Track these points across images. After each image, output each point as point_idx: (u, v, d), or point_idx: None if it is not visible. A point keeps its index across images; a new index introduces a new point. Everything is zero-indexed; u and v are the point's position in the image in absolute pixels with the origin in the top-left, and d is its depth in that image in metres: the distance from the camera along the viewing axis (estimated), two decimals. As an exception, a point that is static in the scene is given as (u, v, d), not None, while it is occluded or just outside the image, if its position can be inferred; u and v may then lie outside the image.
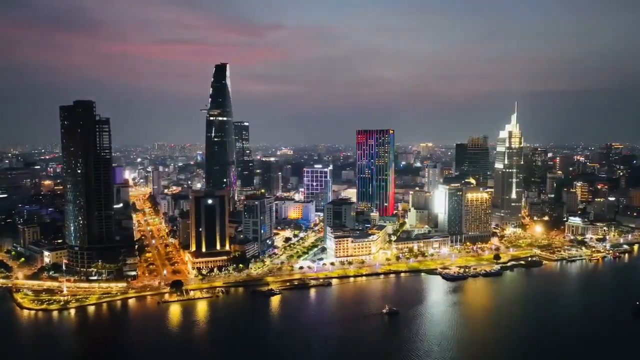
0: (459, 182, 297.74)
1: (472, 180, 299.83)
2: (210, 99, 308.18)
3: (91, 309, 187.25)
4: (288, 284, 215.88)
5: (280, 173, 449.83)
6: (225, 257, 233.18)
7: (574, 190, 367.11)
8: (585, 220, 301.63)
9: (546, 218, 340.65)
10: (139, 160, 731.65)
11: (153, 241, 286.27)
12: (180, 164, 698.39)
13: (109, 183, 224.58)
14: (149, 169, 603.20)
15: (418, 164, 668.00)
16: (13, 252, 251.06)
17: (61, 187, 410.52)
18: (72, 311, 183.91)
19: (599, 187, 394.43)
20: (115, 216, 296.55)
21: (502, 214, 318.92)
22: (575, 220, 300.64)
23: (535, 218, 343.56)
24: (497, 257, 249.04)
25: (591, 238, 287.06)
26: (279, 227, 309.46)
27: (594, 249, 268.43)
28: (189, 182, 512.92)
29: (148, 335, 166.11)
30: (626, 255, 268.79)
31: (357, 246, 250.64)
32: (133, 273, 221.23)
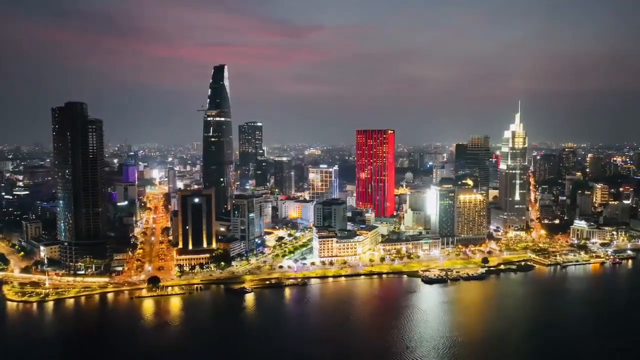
0: (455, 183, 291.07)
1: (469, 182, 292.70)
2: (208, 100, 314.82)
3: (69, 302, 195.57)
4: (267, 282, 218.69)
5: (293, 172, 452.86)
6: (207, 255, 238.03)
7: (589, 192, 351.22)
8: (592, 224, 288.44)
9: (557, 221, 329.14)
10: (169, 159, 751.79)
11: (153, 238, 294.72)
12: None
13: (96, 182, 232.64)
14: (177, 168, 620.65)
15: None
16: (16, 247, 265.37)
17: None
18: (50, 304, 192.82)
19: (621, 189, 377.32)
20: (118, 213, 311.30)
21: (505, 216, 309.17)
22: (581, 224, 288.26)
23: (546, 221, 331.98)
24: (485, 260, 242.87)
25: (594, 243, 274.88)
26: (276, 227, 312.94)
27: (593, 254, 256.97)
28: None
29: (108, 327, 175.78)
30: (629, 261, 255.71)
31: (342, 247, 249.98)
32: (119, 268, 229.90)
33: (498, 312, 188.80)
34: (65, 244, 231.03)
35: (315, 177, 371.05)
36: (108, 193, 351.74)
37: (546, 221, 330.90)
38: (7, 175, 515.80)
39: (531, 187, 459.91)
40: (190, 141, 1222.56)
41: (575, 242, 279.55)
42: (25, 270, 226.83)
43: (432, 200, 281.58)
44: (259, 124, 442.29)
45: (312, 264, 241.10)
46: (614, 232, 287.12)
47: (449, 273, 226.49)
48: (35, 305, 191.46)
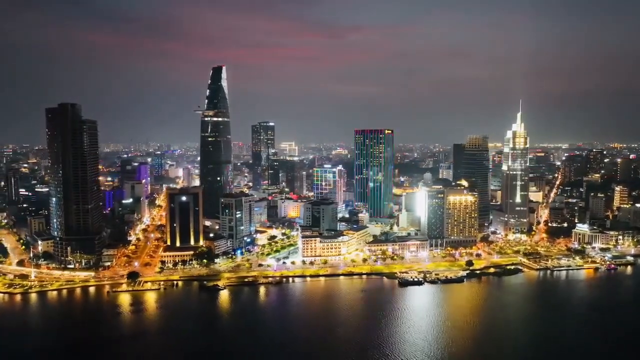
0: (447, 184, 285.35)
1: (464, 183, 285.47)
2: (206, 100, 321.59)
3: (51, 294, 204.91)
4: (246, 280, 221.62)
5: (305, 172, 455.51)
6: (191, 252, 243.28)
7: (602, 194, 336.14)
8: (594, 228, 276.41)
9: (566, 224, 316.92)
10: (198, 158, 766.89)
11: (152, 235, 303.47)
12: (239, 163, 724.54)
13: (87, 180, 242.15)
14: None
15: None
16: (21, 240, 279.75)
17: (112, 182, 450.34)
18: (33, 295, 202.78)
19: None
20: (122, 210, 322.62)
21: (506, 219, 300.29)
22: (583, 228, 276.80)
23: (554, 224, 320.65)
24: (469, 263, 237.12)
25: (594, 247, 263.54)
26: (273, 226, 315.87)
27: (588, 259, 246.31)
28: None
29: (71, 317, 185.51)
30: (628, 267, 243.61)
31: (326, 247, 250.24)
32: (108, 263, 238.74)
33: (452, 315, 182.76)
34: (57, 239, 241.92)
35: (320, 176, 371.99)
36: (119, 191, 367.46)
37: (554, 224, 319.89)
38: (42, 173, 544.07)
39: (553, 189, 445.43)
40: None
41: (576, 246, 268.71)
42: (20, 263, 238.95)
43: (421, 201, 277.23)
44: (271, 123, 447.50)
45: (293, 263, 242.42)
46: (620, 237, 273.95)
47: (427, 275, 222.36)
48: (19, 296, 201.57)
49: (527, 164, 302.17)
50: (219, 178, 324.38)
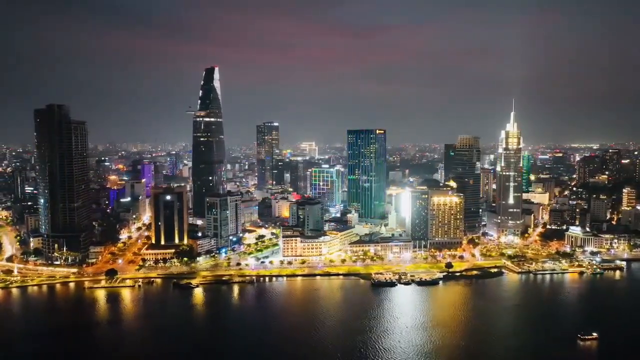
0: (433, 184, 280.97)
1: (453, 184, 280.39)
2: (199, 101, 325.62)
3: (31, 289, 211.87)
4: (222, 278, 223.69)
5: (309, 172, 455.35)
6: (172, 251, 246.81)
7: (604, 196, 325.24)
8: (587, 230, 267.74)
9: (565, 227, 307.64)
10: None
11: (147, 233, 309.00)
12: (255, 162, 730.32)
13: (72, 179, 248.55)
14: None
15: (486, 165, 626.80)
16: (19, 237, 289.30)
17: (123, 181, 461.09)
18: (14, 290, 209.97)
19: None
20: (118, 209, 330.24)
21: (499, 220, 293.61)
22: (575, 231, 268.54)
23: (554, 226, 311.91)
24: (449, 265, 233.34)
25: (584, 251, 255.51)
26: (264, 225, 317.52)
27: (575, 263, 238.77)
28: (242, 180, 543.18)
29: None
30: (616, 272, 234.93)
31: (306, 247, 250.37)
32: (93, 260, 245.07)
33: (416, 316, 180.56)
34: (45, 236, 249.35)
35: (318, 176, 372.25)
36: (123, 190, 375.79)
37: (553, 226, 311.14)
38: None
39: (566, 190, 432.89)
40: (252, 140, 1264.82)
41: (567, 249, 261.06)
42: (10, 259, 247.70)
43: (406, 202, 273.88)
44: (275, 124, 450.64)
45: (271, 262, 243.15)
46: (615, 240, 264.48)
47: (402, 277, 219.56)
48: (0, 291, 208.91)
49: (520, 165, 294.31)
50: (210, 178, 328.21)
